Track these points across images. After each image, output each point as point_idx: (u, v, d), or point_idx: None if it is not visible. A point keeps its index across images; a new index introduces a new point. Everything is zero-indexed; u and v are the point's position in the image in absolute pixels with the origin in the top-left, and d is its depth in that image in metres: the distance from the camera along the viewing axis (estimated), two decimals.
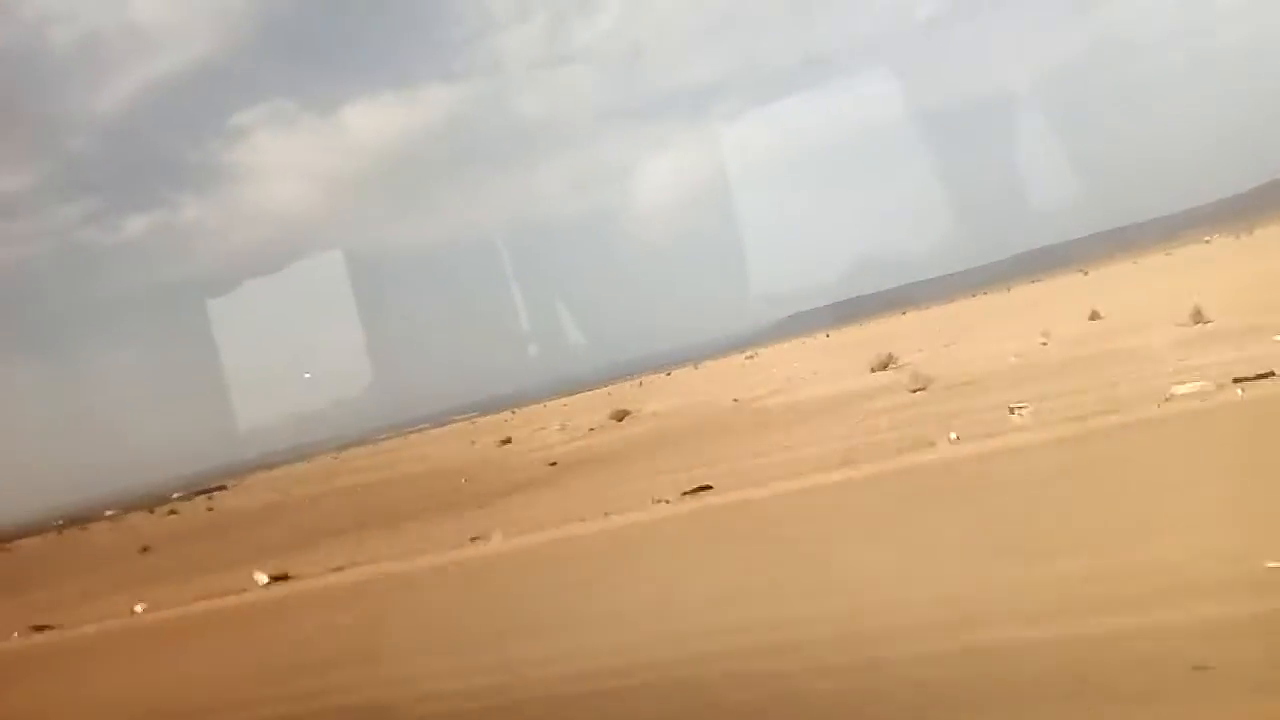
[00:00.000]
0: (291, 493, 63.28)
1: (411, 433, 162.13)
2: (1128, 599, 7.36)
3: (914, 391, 27.78)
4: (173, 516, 71.00)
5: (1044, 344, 33.16)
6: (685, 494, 17.68)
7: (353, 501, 42.32)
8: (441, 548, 19.98)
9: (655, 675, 8.68)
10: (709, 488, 17.73)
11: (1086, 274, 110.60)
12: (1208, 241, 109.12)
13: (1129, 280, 67.98)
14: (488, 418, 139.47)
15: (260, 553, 29.32)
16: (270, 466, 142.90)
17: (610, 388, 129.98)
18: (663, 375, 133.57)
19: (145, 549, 42.53)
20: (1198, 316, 27.19)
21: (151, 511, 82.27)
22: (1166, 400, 14.47)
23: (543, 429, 67.14)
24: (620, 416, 54.56)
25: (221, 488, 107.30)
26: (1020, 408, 16.38)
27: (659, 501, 17.46)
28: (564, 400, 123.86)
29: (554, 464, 36.47)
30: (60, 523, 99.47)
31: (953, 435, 15.39)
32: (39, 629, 21.91)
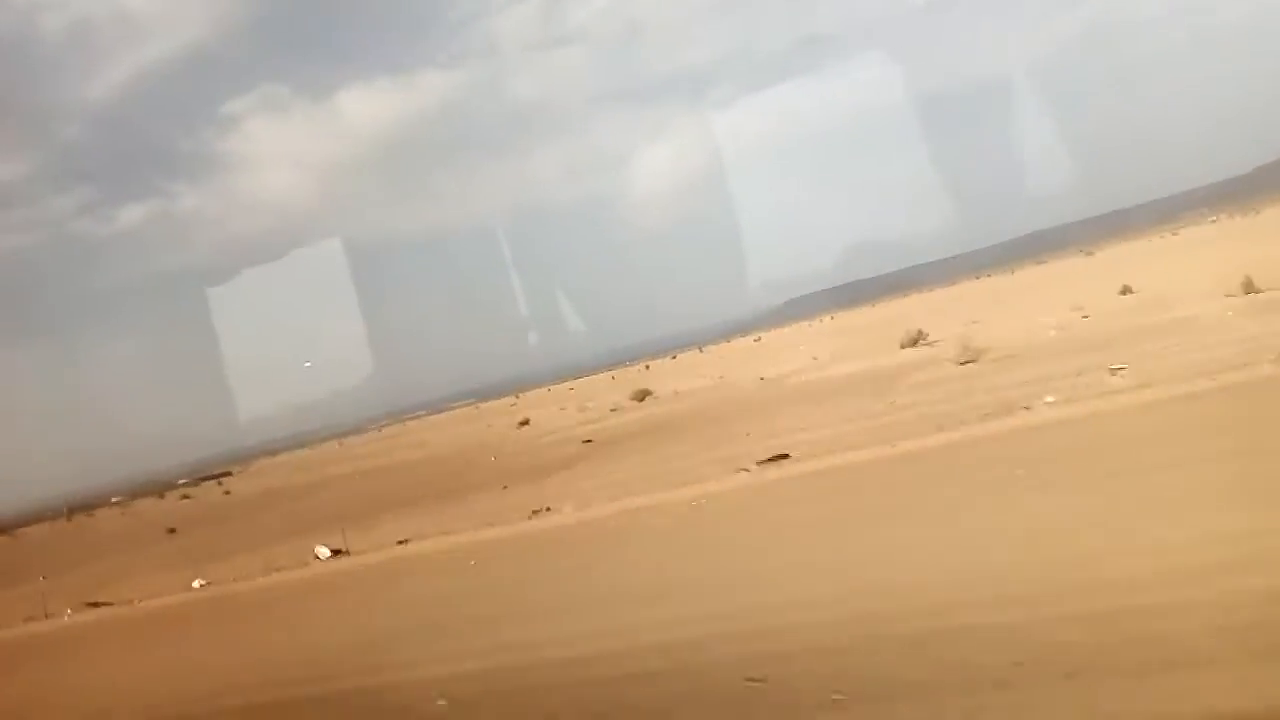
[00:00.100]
0: (310, 475, 62.87)
1: (411, 419, 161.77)
2: None
3: (963, 364, 27.53)
4: (186, 501, 70.59)
5: (1085, 317, 32.92)
6: (762, 462, 17.39)
7: (387, 480, 41.97)
8: (502, 521, 19.68)
9: (760, 642, 8.35)
10: (786, 456, 17.45)
11: (1091, 255, 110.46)
12: (1214, 221, 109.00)
13: (1142, 258, 67.73)
14: (490, 403, 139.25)
15: (302, 530, 29.01)
16: (272, 453, 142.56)
17: (613, 372, 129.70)
18: (667, 359, 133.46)
19: (171, 530, 42.18)
20: (1249, 286, 26.95)
21: (161, 497, 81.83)
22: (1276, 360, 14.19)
23: (560, 410, 66.86)
24: (642, 396, 54.28)
25: (227, 474, 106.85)
26: (1120, 369, 16.12)
27: (740, 470, 17.17)
28: (569, 384, 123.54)
29: (589, 441, 36.16)
30: (64, 510, 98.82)
31: (1049, 398, 15.11)
32: (94, 605, 21.60)
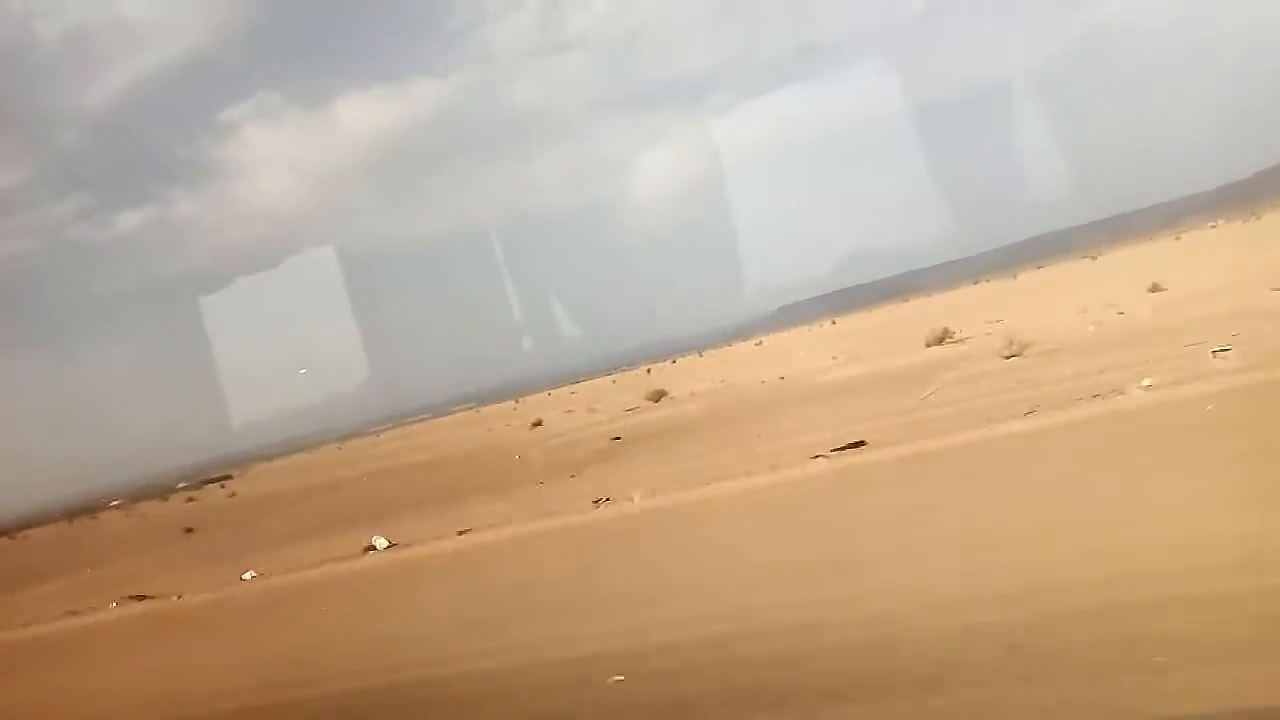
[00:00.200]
0: (319, 477, 62.29)
1: (410, 423, 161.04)
2: None
3: (1007, 358, 27.33)
4: (192, 503, 69.91)
5: (1120, 313, 32.79)
6: (838, 450, 17.11)
7: (410, 479, 41.54)
8: (563, 511, 19.33)
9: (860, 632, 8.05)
10: (862, 443, 17.17)
11: (1094, 259, 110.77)
12: (1214, 226, 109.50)
13: (1153, 261, 67.79)
14: (489, 407, 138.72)
15: (333, 526, 28.61)
16: (268, 458, 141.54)
17: (613, 376, 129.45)
18: (667, 364, 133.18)
19: (189, 529, 41.66)
20: None
21: (165, 499, 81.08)
22: None
23: (568, 413, 66.48)
24: (657, 397, 53.97)
25: (227, 478, 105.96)
26: (1224, 351, 15.92)
27: (816, 457, 16.88)
28: (569, 389, 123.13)
29: (617, 439, 35.84)
30: (63, 514, 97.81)
31: (1145, 382, 14.88)
32: (139, 598, 21.15)
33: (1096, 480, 11.12)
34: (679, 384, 63.34)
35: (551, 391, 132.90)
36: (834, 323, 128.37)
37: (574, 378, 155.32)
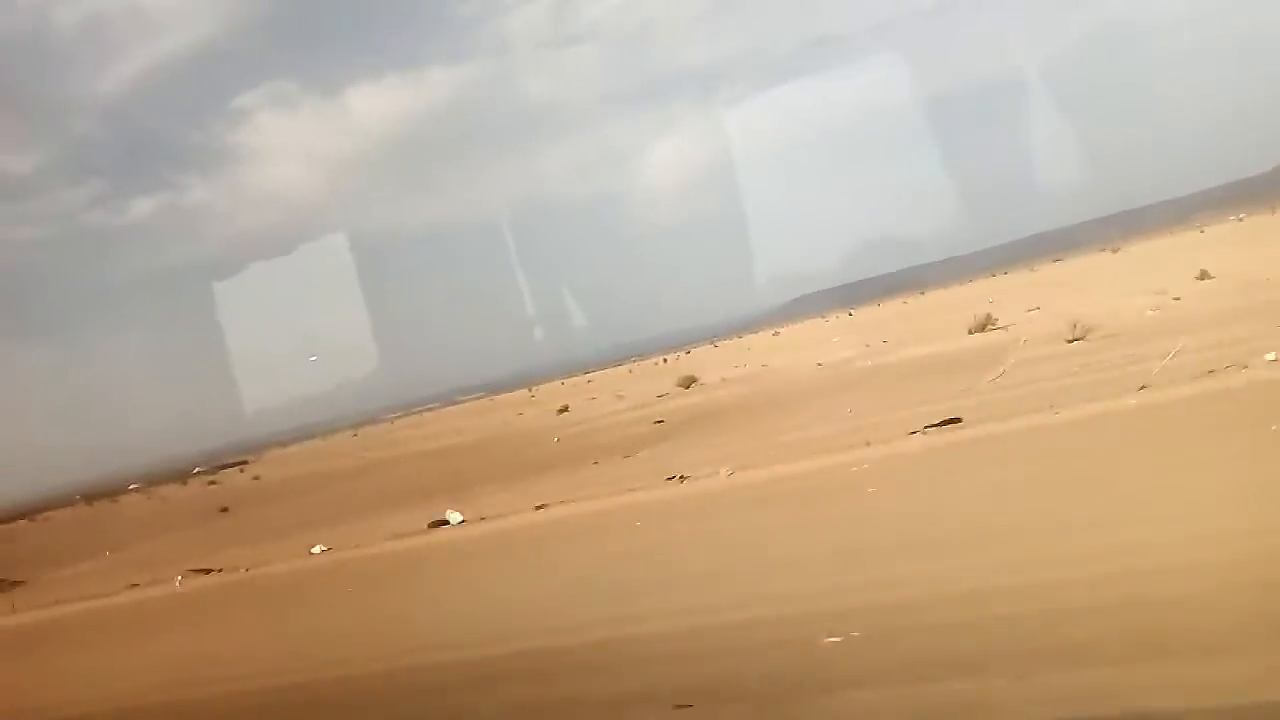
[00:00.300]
0: (346, 461, 62.04)
1: (421, 412, 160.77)
2: None
3: (1071, 341, 26.97)
4: (214, 486, 69.77)
5: (1176, 299, 32.37)
6: (932, 426, 16.76)
7: (448, 461, 41.23)
8: (641, 487, 19.01)
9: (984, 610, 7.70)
10: (958, 420, 16.82)
11: (1116, 252, 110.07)
12: (1240, 219, 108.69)
13: (1184, 252, 67.18)
14: (503, 395, 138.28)
15: (380, 505, 28.35)
16: (282, 445, 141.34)
17: (629, 366, 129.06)
18: (680, 354, 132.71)
19: (224, 509, 41.46)
20: None
21: (184, 483, 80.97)
22: None
23: (592, 399, 66.17)
24: (688, 383, 53.71)
25: (243, 463, 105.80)
26: None
27: (914, 433, 16.53)
28: (585, 377, 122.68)
29: (660, 422, 35.52)
30: (80, 497, 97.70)
31: (1269, 355, 14.52)
32: (203, 571, 20.89)
33: (1214, 457, 10.80)
34: (705, 372, 62.86)
35: (565, 381, 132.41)
36: (850, 314, 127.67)
37: (584, 368, 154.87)
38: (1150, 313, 29.99)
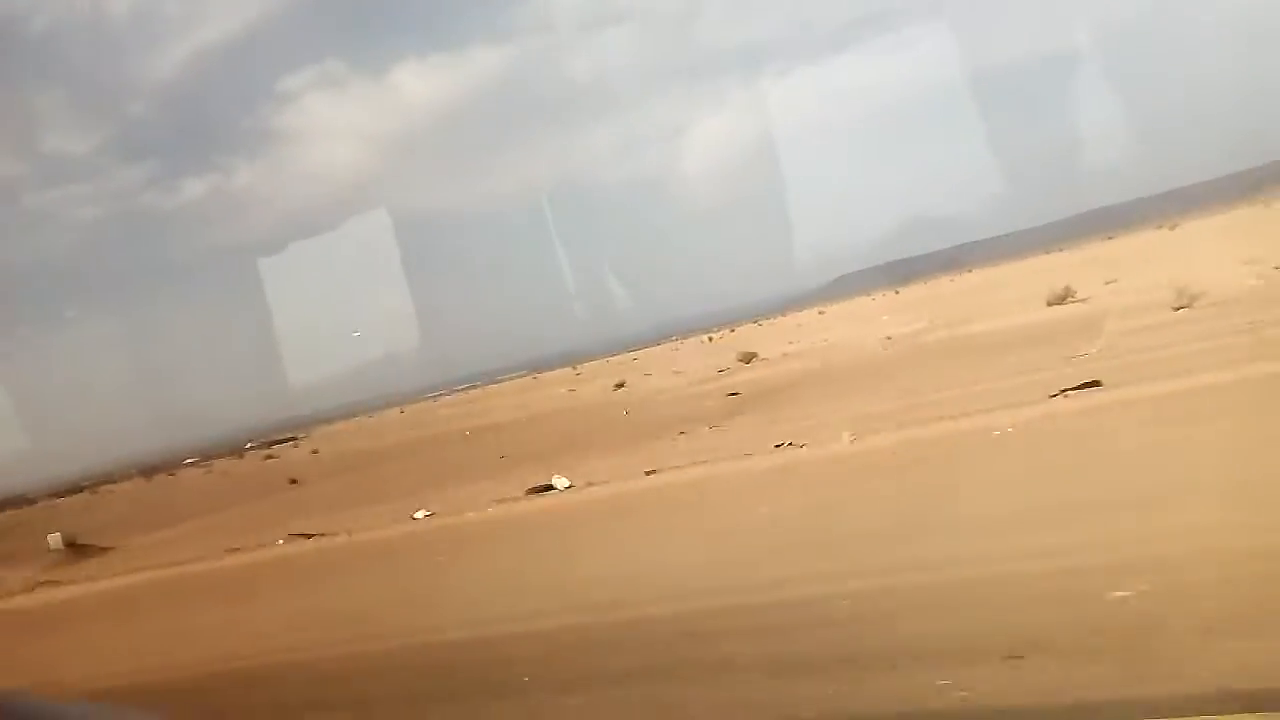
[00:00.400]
0: (403, 435, 62.40)
1: (466, 389, 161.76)
2: None
3: (1176, 309, 26.09)
4: (272, 460, 70.55)
5: (1278, 268, 31.21)
6: (1071, 390, 16.13)
7: (518, 434, 41.12)
8: (755, 452, 18.58)
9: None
10: (1097, 383, 16.18)
11: (1174, 229, 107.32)
12: None
13: (1263, 226, 65.18)
14: (546, 374, 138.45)
15: (462, 475, 28.22)
16: (328, 421, 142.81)
17: (675, 344, 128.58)
18: (725, 332, 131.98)
19: (293, 480, 41.77)
20: None
21: (240, 457, 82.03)
22: None
23: (647, 375, 65.83)
24: (748, 358, 53.25)
25: (293, 439, 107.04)
26: None
27: (1054, 396, 15.92)
28: (631, 355, 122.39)
29: (734, 394, 35.06)
30: (137, 471, 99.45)
31: None
32: (305, 536, 20.87)
33: None
34: (762, 347, 62.21)
35: (608, 360, 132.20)
36: (897, 292, 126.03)
37: (624, 348, 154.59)
38: (1253, 282, 28.93)
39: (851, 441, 16.63)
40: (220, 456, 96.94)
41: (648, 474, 18.25)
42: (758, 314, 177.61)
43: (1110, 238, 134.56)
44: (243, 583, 18.11)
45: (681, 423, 30.28)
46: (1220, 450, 10.87)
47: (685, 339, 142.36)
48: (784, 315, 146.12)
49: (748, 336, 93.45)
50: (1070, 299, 38.90)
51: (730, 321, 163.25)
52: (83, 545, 29.30)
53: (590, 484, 18.77)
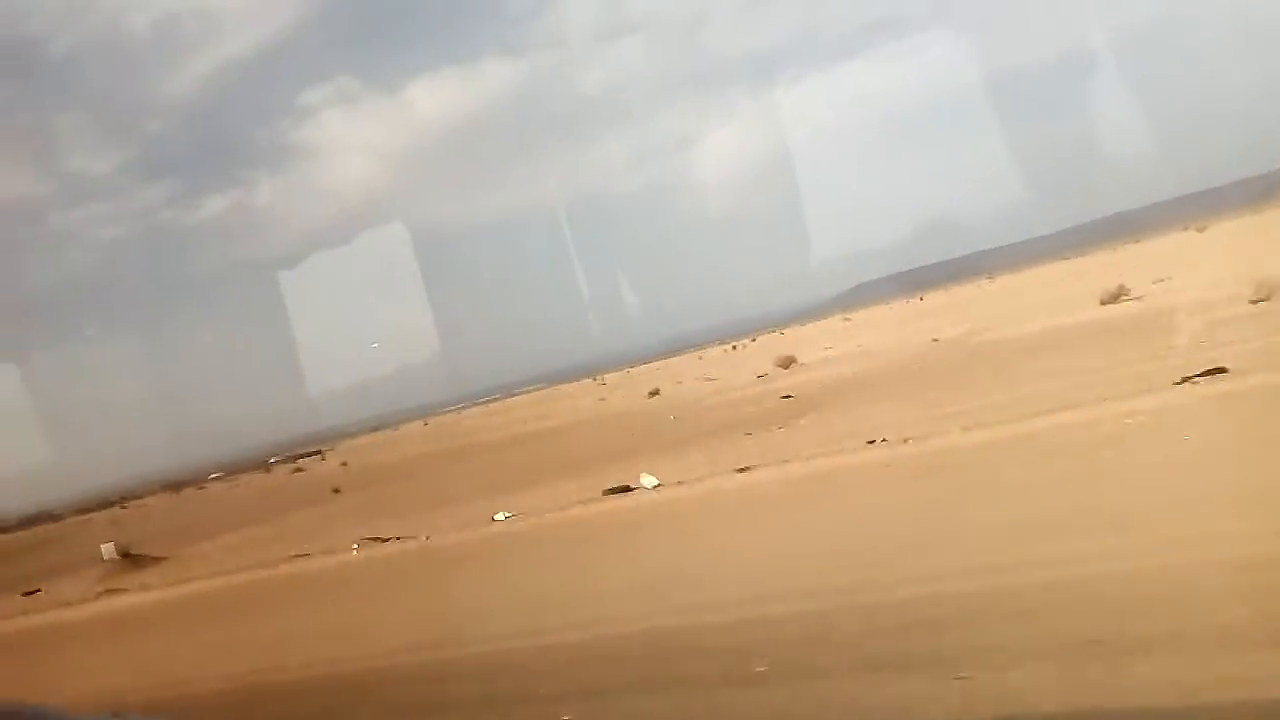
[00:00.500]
0: (436, 445, 61.90)
1: (487, 402, 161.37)
2: None
3: (1254, 302, 25.38)
4: (300, 474, 70.17)
5: None
6: (1189, 378, 15.49)
7: (563, 441, 40.54)
8: (844, 450, 17.99)
9: None
10: (1222, 370, 15.52)
11: (1202, 231, 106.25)
12: None
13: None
14: (565, 386, 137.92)
15: (528, 479, 27.64)
16: (352, 435, 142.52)
17: (700, 353, 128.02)
18: (747, 341, 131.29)
19: (336, 490, 41.29)
20: None
21: (268, 470, 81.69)
22: None
23: (679, 383, 65.24)
24: (787, 363, 52.55)
25: (317, 453, 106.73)
26: None
27: (1179, 383, 15.28)
28: (655, 365, 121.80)
29: (788, 397, 34.41)
30: (161, 487, 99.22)
31: None
32: (379, 540, 20.34)
33: None
34: (799, 352, 61.53)
35: (629, 370, 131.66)
36: (921, 299, 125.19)
37: (642, 359, 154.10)
38: None
39: (964, 433, 16.03)
40: (244, 471, 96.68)
41: (739, 471, 17.67)
42: (775, 324, 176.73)
43: (1136, 240, 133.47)
44: (328, 587, 17.60)
45: (742, 424, 29.66)
46: None
47: (706, 349, 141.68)
48: (805, 324, 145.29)
49: (773, 345, 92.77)
50: (1125, 297, 38.18)
51: (748, 332, 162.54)
52: (136, 555, 28.85)
53: (680, 482, 18.16)
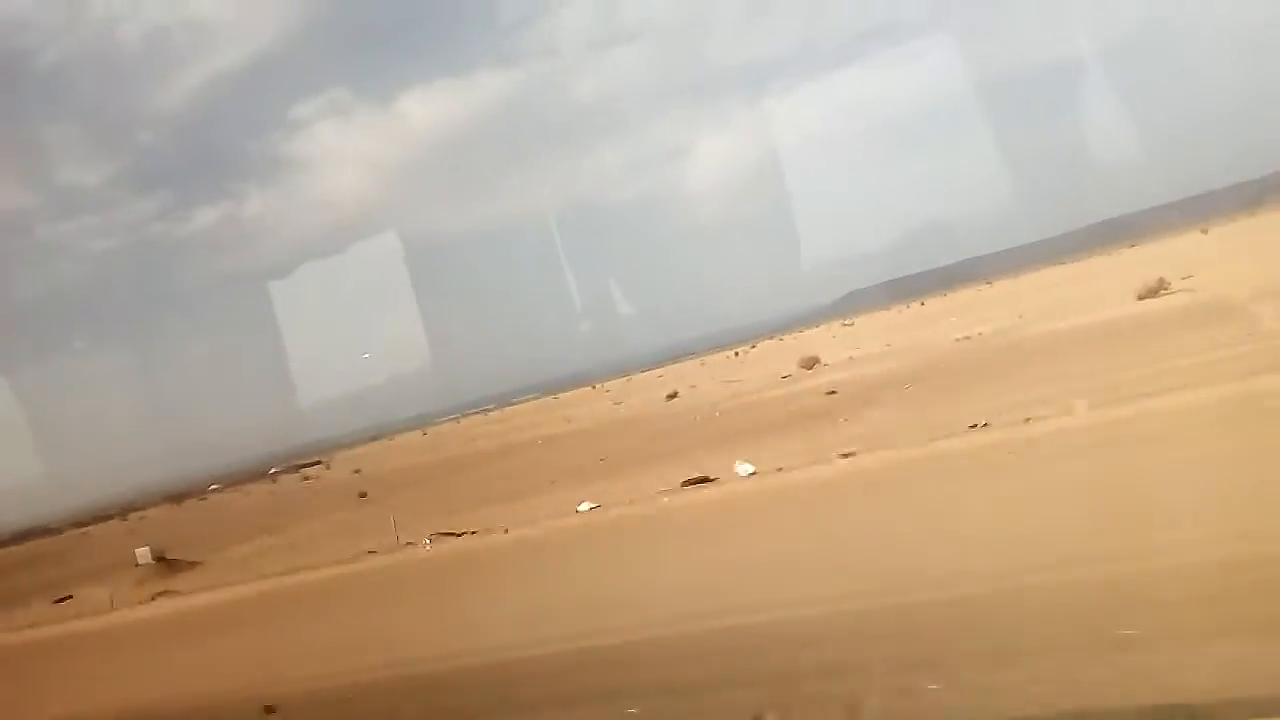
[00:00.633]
0: (449, 452, 60.92)
1: (484, 411, 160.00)
2: None
3: None
4: (309, 482, 69.01)
5: None
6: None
7: (601, 441, 39.66)
8: (947, 435, 17.30)
9: None
10: None
11: (1205, 233, 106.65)
12: None
13: None
14: (564, 395, 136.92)
15: (557, 480, 26.84)
16: (348, 446, 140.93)
17: (703, 359, 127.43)
18: (747, 348, 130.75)
19: (362, 494, 40.32)
20: None
21: (274, 480, 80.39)
22: None
23: (693, 387, 64.55)
24: (810, 364, 51.96)
25: (317, 462, 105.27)
26: None
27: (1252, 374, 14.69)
28: (658, 373, 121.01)
29: (832, 393, 33.76)
30: (160, 498, 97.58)
31: None
32: (452, 535, 19.50)
33: None
34: (825, 354, 60.84)
35: (630, 378, 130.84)
36: (922, 304, 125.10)
37: (638, 366, 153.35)
38: None
39: (1086, 413, 15.37)
40: (244, 481, 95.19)
41: (844, 456, 16.95)
42: (770, 331, 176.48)
43: (1130, 245, 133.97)
44: (418, 582, 16.76)
45: (793, 419, 29.00)
46: None
47: (705, 356, 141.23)
48: (804, 330, 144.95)
49: (780, 349, 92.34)
50: (1164, 291, 37.77)
51: (744, 339, 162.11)
52: (172, 560, 27.85)
53: (780, 469, 17.43)
